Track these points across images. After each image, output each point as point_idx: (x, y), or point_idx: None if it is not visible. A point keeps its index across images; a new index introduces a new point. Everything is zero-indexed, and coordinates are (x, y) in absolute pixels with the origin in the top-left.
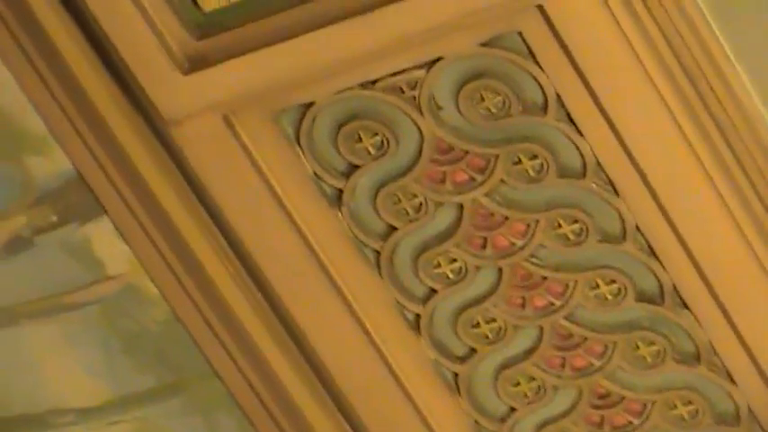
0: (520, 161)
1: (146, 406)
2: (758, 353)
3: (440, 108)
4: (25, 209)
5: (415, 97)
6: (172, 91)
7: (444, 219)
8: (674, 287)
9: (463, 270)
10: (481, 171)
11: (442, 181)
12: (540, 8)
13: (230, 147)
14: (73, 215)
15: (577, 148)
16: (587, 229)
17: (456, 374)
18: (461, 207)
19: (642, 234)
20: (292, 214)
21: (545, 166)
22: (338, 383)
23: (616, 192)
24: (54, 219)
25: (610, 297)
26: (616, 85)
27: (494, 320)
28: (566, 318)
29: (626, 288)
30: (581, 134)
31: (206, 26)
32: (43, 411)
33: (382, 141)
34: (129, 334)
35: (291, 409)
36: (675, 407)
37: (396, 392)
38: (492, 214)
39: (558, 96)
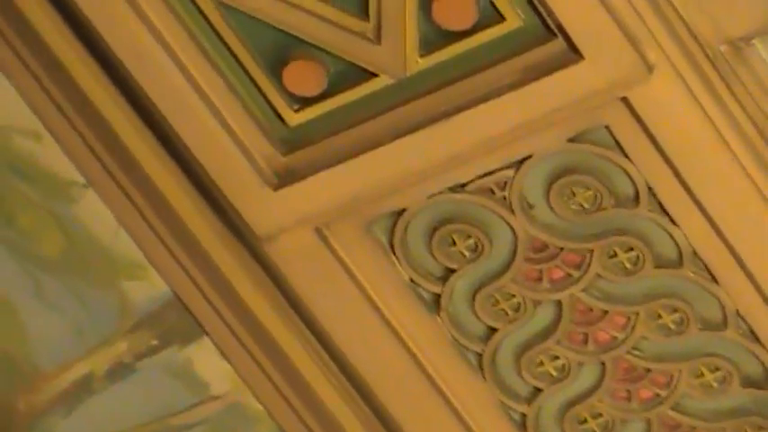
0: (615, 254)
1: None
2: None
3: (531, 206)
4: (125, 335)
5: (505, 197)
6: (263, 207)
7: (544, 317)
8: None
9: (566, 367)
10: (577, 267)
11: (539, 279)
12: (625, 100)
13: (325, 259)
14: (173, 337)
15: (672, 237)
16: (688, 318)
17: None
18: (560, 304)
19: (743, 319)
20: (391, 322)
21: (641, 258)
22: None
23: (714, 279)
24: (155, 342)
25: (715, 384)
26: (706, 171)
27: (600, 415)
28: (672, 408)
29: (731, 374)
30: (675, 223)
31: (292, 141)
32: None
33: (476, 244)
34: None
35: None
36: None
37: None
38: (591, 309)
39: (649, 187)
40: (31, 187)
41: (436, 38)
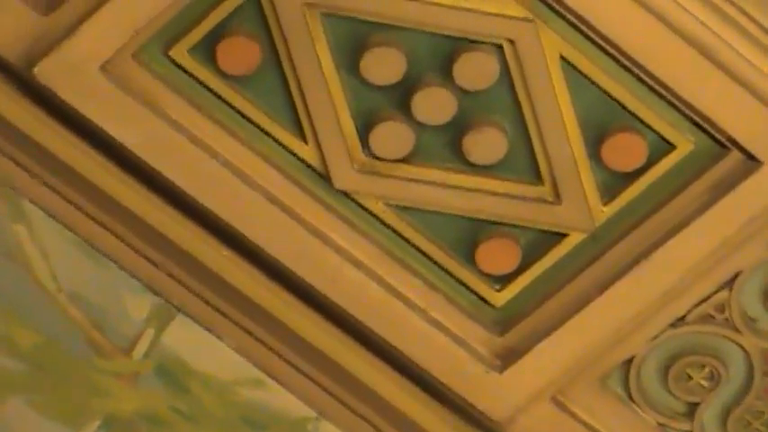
0: None
1: None
2: None
3: (754, 320)
4: None
5: (727, 319)
6: (493, 392)
7: None
8: None
9: None
10: None
11: None
12: None
13: (569, 426)
14: None
15: None
16: None
17: None
18: None
19: None
20: None
21: None
22: None
23: None
24: None
25: None
26: None
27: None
28: None
29: None
30: None
31: (503, 320)
32: None
33: (712, 372)
34: None
35: None
36: None
37: None
38: None
39: None
40: None
41: (614, 182)
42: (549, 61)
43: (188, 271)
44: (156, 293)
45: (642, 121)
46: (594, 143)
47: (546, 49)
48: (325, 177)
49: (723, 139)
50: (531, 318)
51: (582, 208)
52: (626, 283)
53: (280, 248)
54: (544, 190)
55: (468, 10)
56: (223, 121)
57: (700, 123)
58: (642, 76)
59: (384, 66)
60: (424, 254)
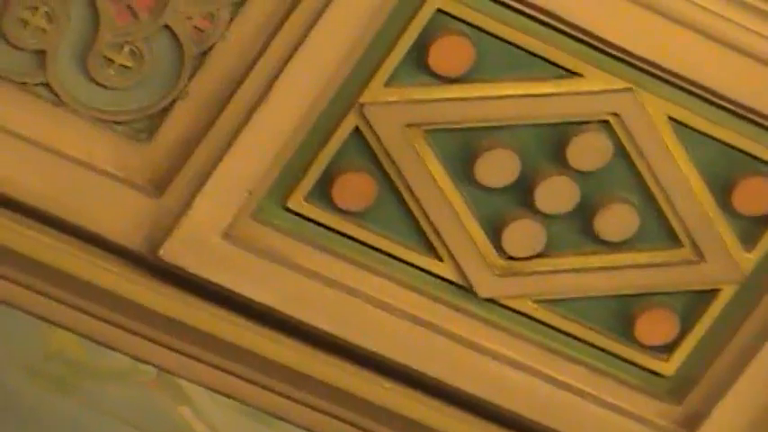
0: None
1: None
2: None
3: None
4: None
5: None
6: None
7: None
8: None
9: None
10: None
11: None
12: None
13: None
14: None
15: None
16: None
17: None
18: None
19: None
20: None
21: None
22: None
23: None
24: None
25: None
26: None
27: None
28: None
29: None
30: None
31: (678, 388)
32: None
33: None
34: None
35: None
36: None
37: None
38: None
39: None
40: None
41: (752, 228)
42: (659, 125)
43: (359, 412)
44: None
45: (764, 162)
46: (723, 194)
47: (652, 115)
48: (467, 289)
49: None
50: (704, 379)
51: (727, 260)
52: None
53: (438, 368)
54: (685, 251)
55: (568, 94)
56: (354, 257)
57: None
58: (753, 117)
59: (499, 168)
60: (583, 341)
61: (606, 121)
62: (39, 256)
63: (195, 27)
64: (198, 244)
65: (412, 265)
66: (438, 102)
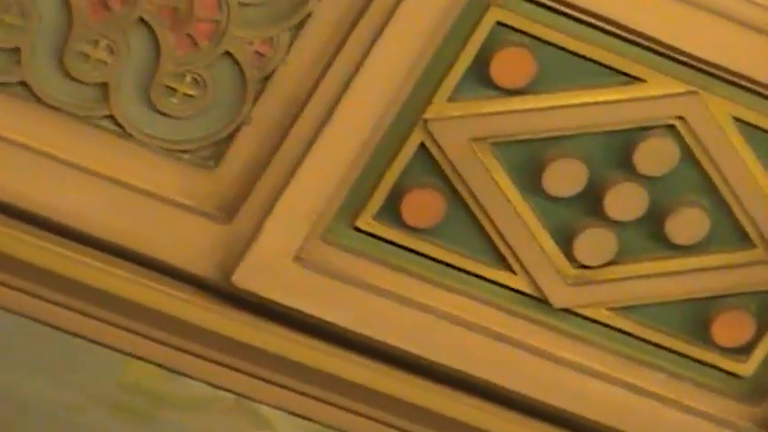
0: None
1: None
2: None
3: None
4: None
5: None
6: None
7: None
8: None
9: None
10: None
11: None
12: None
13: None
14: None
15: None
16: None
17: None
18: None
19: None
20: None
21: None
22: None
23: None
24: None
25: None
26: None
27: None
28: None
29: None
30: None
31: (757, 389)
32: None
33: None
34: None
35: None
36: None
37: None
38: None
39: None
40: None
41: None
42: (724, 126)
43: (438, 429)
44: None
45: None
46: None
47: (717, 116)
48: (542, 300)
49: None
50: None
51: None
52: None
53: (518, 382)
54: (758, 252)
55: (632, 100)
56: (426, 275)
57: None
58: None
59: (566, 177)
60: (660, 346)
61: (672, 126)
62: (113, 288)
63: (256, 52)
64: (270, 268)
65: (484, 278)
66: (502, 114)
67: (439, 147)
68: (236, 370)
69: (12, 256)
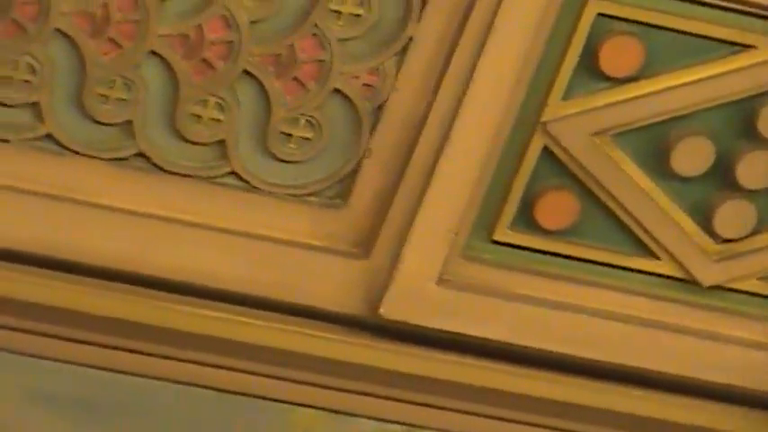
0: None
1: None
2: None
3: None
4: None
5: None
6: None
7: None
8: None
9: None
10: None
11: None
12: None
13: None
14: None
15: None
16: None
17: None
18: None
19: None
20: None
21: None
22: None
23: None
24: None
25: None
26: None
27: None
28: None
29: None
30: None
31: None
32: None
33: None
34: None
35: None
36: None
37: None
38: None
39: None
40: None
41: None
42: None
43: (607, 424)
44: None
45: None
46: None
47: None
48: (691, 282)
49: None
50: None
51: None
52: None
53: (684, 366)
54: None
55: (745, 68)
56: (570, 275)
57: None
58: None
59: (694, 156)
60: None
61: None
62: (268, 341)
63: (364, 84)
64: (415, 295)
65: (630, 269)
66: (618, 104)
67: (562, 147)
68: (401, 401)
69: (168, 328)
